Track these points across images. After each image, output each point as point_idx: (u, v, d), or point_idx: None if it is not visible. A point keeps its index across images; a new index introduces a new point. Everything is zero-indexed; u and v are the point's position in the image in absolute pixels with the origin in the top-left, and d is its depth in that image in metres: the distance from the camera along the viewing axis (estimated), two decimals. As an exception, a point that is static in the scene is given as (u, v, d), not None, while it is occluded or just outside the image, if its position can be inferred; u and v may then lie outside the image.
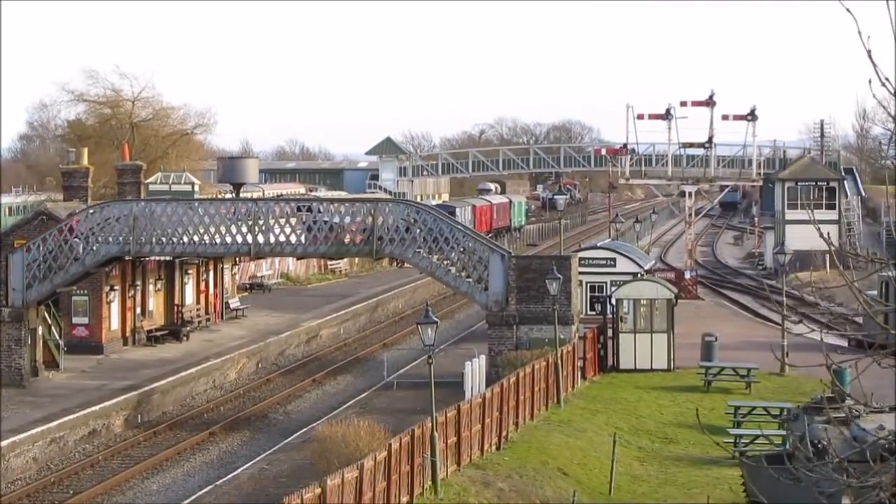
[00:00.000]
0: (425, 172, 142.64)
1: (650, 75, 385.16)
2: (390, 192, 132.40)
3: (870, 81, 12.66)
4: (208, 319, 70.04)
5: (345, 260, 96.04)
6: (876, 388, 19.24)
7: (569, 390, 48.87)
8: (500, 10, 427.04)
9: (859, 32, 12.13)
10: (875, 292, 56.55)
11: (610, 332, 54.88)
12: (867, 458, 15.60)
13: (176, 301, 66.57)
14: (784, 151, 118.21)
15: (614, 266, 64.72)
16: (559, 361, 46.78)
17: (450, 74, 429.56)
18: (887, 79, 12.42)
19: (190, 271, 68.21)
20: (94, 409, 47.65)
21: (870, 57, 12.16)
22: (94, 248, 52.92)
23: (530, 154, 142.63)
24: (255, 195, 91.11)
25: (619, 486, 37.74)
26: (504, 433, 40.51)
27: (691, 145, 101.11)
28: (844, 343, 55.29)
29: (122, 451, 46.26)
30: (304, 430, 47.04)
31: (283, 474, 39.62)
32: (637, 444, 43.67)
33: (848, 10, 12.25)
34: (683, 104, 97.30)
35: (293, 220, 53.55)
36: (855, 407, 26.89)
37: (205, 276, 70.35)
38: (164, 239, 53.05)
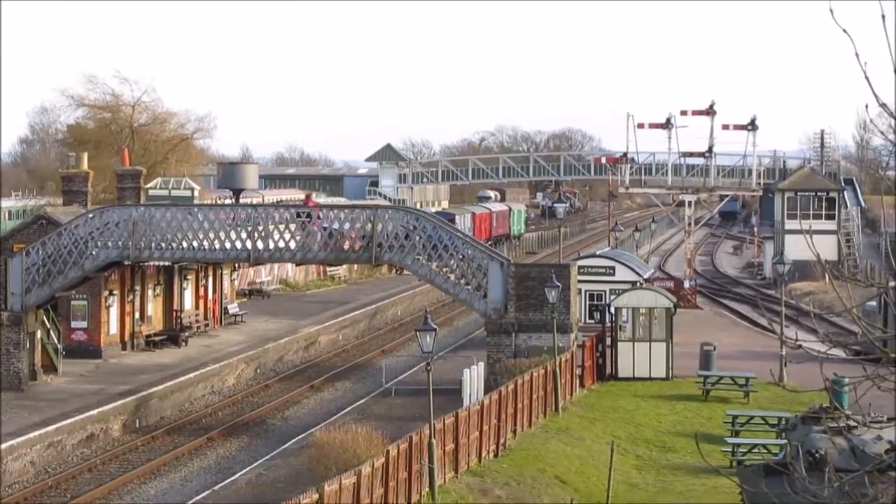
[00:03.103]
0: (425, 179, 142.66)
1: (651, 84, 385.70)
2: (390, 199, 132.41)
3: (867, 106, 12.67)
4: (207, 325, 70.03)
5: (344, 266, 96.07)
6: (874, 398, 19.25)
7: (567, 398, 48.88)
8: (501, 19, 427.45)
9: (857, 55, 12.14)
10: (873, 303, 56.65)
11: (608, 341, 54.89)
12: (865, 478, 15.61)
13: (175, 306, 66.58)
14: (784, 161, 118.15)
15: (613, 274, 64.69)
16: (557, 369, 46.79)
17: (450, 82, 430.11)
18: (884, 104, 12.43)
19: (189, 277, 68.22)
20: (92, 413, 47.65)
21: (868, 81, 12.18)
22: (94, 252, 52.96)
23: (530, 162, 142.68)
24: (255, 201, 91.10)
25: (616, 495, 37.71)
26: (502, 441, 40.53)
27: (691, 154, 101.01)
28: (843, 354, 55.22)
29: (120, 455, 46.25)
30: (302, 435, 47.05)
31: (281, 480, 39.62)
32: (635, 452, 43.68)
33: (845, 30, 12.26)
34: (684, 113, 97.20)
35: (292, 227, 53.57)
36: (853, 418, 26.93)
37: (204, 281, 70.37)
38: (163, 244, 53.05)
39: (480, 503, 34.93)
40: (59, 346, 56.31)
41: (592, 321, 61.16)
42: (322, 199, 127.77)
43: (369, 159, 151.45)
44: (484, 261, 52.02)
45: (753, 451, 40.55)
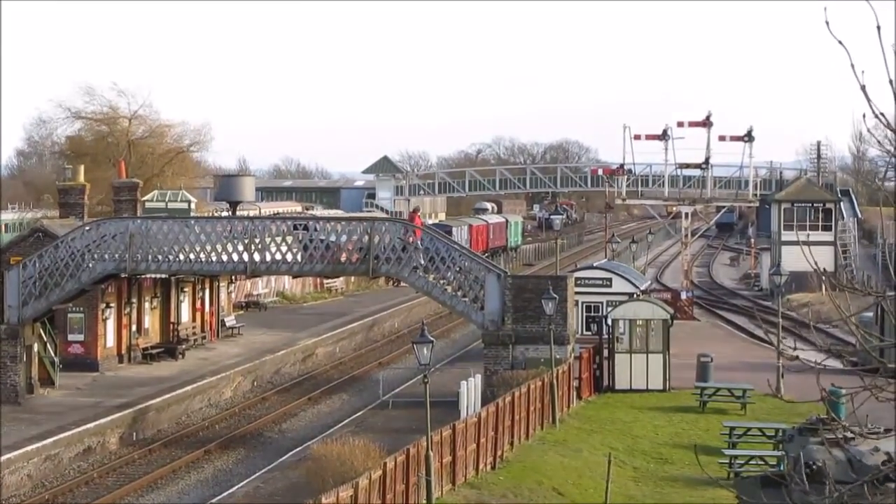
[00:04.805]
0: (422, 191, 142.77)
1: (647, 96, 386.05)
2: (387, 211, 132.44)
3: (864, 116, 12.68)
4: (204, 337, 69.99)
5: (341, 279, 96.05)
6: (871, 409, 19.24)
7: (564, 410, 48.86)
8: (498, 30, 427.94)
9: (852, 66, 12.15)
10: (869, 314, 56.60)
11: (606, 353, 54.87)
12: (864, 488, 15.60)
13: (172, 319, 66.53)
14: (780, 173, 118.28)
15: (610, 286, 64.74)
16: (555, 381, 46.77)
17: (447, 94, 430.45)
18: (882, 113, 12.44)
19: (186, 289, 68.18)
20: (89, 426, 47.59)
21: (864, 92, 12.18)
22: (90, 265, 52.93)
23: (527, 174, 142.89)
24: (252, 213, 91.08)
25: (614, 507, 37.69)
26: (499, 453, 40.50)
27: (688, 166, 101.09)
28: (840, 365, 55.20)
29: (117, 468, 46.19)
30: (300, 448, 47.00)
31: (278, 493, 39.57)
32: (632, 464, 43.64)
33: (840, 42, 12.27)
34: (680, 125, 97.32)
35: (289, 239, 53.55)
36: (850, 429, 26.89)
37: (201, 293, 70.33)
38: (160, 256, 53.01)
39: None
40: (56, 359, 56.25)
41: (589, 333, 61.17)
42: (319, 211, 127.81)
43: (366, 171, 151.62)
44: (481, 273, 52.02)
45: (751, 462, 40.53)
